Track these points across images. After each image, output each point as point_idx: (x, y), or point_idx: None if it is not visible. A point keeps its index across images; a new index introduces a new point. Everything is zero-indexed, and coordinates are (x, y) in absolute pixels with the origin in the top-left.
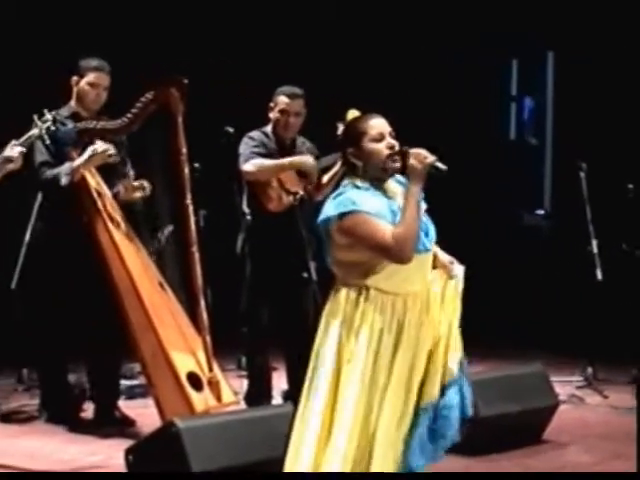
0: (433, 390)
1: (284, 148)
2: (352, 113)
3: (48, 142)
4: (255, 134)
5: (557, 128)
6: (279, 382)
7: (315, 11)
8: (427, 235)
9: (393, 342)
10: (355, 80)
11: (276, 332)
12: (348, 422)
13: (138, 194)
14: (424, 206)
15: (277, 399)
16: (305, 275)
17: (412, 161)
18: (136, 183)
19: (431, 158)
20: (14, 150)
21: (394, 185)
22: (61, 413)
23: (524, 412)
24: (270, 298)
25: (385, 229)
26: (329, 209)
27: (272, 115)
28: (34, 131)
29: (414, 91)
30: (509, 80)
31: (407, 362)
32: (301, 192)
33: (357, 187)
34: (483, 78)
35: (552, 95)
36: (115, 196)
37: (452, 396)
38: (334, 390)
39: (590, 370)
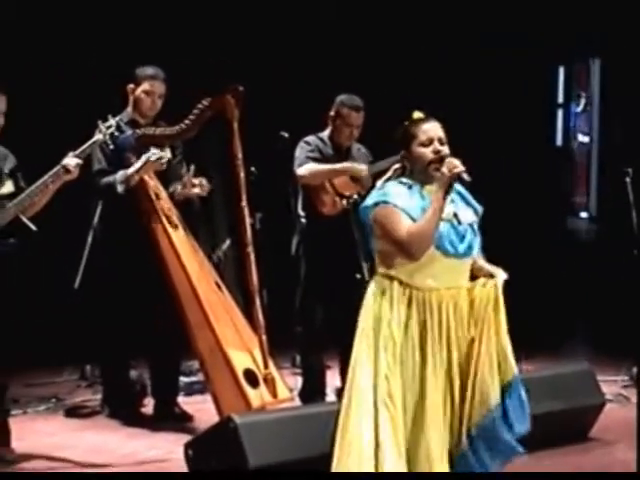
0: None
1: (340, 154)
2: (416, 114)
3: (112, 147)
4: (311, 139)
5: (603, 134)
6: (333, 380)
7: (375, 25)
8: (462, 241)
9: (418, 333)
10: (408, 87)
11: (330, 331)
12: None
13: (196, 190)
14: (473, 219)
15: (330, 396)
16: (358, 276)
17: (443, 169)
18: (195, 180)
19: (459, 168)
20: (72, 161)
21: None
22: (122, 408)
23: (571, 410)
24: (324, 298)
25: (404, 224)
26: (369, 199)
27: (333, 124)
28: (98, 136)
29: (465, 99)
30: (556, 87)
31: (441, 358)
32: (354, 196)
33: (398, 182)
34: (530, 85)
35: (598, 101)
36: (171, 195)
37: (519, 390)
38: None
39: (635, 370)
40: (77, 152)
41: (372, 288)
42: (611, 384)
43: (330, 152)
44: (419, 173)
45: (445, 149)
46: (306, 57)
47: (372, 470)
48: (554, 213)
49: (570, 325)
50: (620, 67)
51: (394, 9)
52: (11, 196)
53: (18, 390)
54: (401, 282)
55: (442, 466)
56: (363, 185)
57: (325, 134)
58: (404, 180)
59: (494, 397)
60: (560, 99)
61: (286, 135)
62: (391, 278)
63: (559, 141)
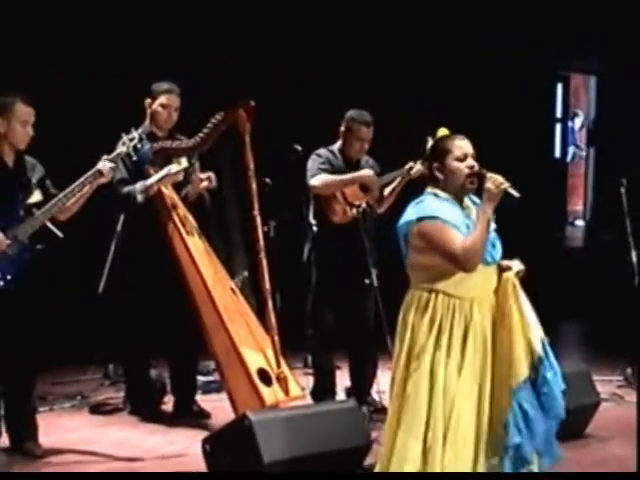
0: (521, 370)
1: (350, 166)
2: (442, 131)
3: (135, 158)
4: (322, 152)
5: (599, 147)
6: (342, 379)
7: (383, 38)
8: (494, 248)
9: (461, 341)
10: (415, 103)
11: (340, 334)
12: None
13: (205, 184)
14: (493, 225)
15: (340, 395)
16: (367, 281)
17: (489, 184)
18: (203, 175)
19: (506, 184)
20: (106, 165)
21: (467, 202)
22: (143, 406)
23: (568, 409)
24: (334, 302)
25: (457, 239)
26: (410, 214)
27: (344, 137)
28: (122, 148)
29: (469, 113)
30: (554, 103)
31: (478, 361)
32: (364, 205)
33: (437, 196)
34: (530, 101)
35: (594, 117)
36: (185, 198)
37: (546, 373)
38: (404, 383)
39: (629, 370)
40: (110, 157)
41: (412, 302)
42: (606, 384)
43: (340, 164)
44: (452, 186)
45: (476, 164)
46: (319, 75)
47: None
48: (552, 220)
49: (568, 328)
50: (614, 84)
51: (402, 36)
52: (39, 205)
53: (45, 388)
54: (445, 294)
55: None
56: (372, 195)
57: (336, 147)
58: (439, 194)
59: (519, 376)
60: (558, 114)
61: (299, 148)
62: (435, 291)
63: (557, 153)
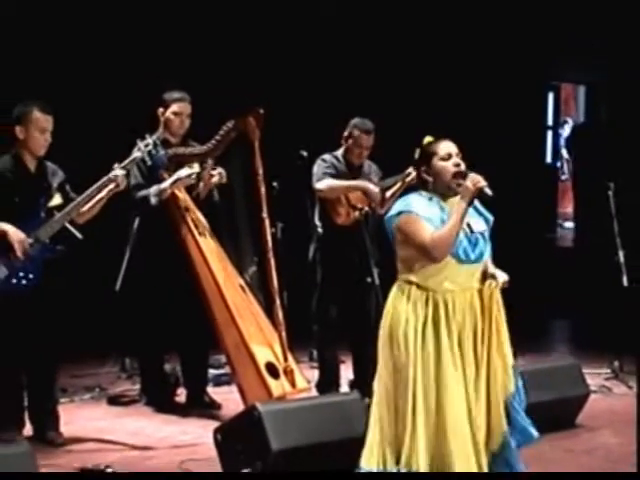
0: (511, 383)
1: (352, 170)
2: (427, 139)
3: (150, 163)
4: (327, 157)
5: (587, 153)
6: (346, 373)
7: (392, 47)
8: (474, 248)
9: (432, 329)
10: (414, 112)
11: (343, 329)
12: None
13: (215, 179)
14: (484, 228)
15: (344, 387)
16: (369, 280)
17: (467, 182)
18: (213, 171)
19: (482, 183)
20: (119, 172)
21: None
22: (158, 398)
23: (560, 400)
24: (338, 300)
25: (427, 230)
26: (393, 209)
27: (346, 144)
28: (137, 154)
29: (464, 121)
30: (546, 111)
31: (456, 345)
32: (366, 208)
33: (420, 195)
34: (523, 110)
35: (583, 124)
36: (197, 197)
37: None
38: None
39: (617, 363)
40: (123, 164)
41: (394, 292)
42: (595, 377)
43: (344, 169)
44: (440, 186)
45: (462, 163)
46: (324, 84)
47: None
48: (543, 222)
49: (559, 324)
50: (602, 93)
51: (400, 47)
52: (59, 208)
53: (66, 381)
54: (419, 286)
55: (468, 465)
56: (373, 198)
57: (339, 152)
58: (424, 193)
59: (510, 383)
60: (549, 122)
61: (305, 154)
62: (410, 282)
63: (548, 159)
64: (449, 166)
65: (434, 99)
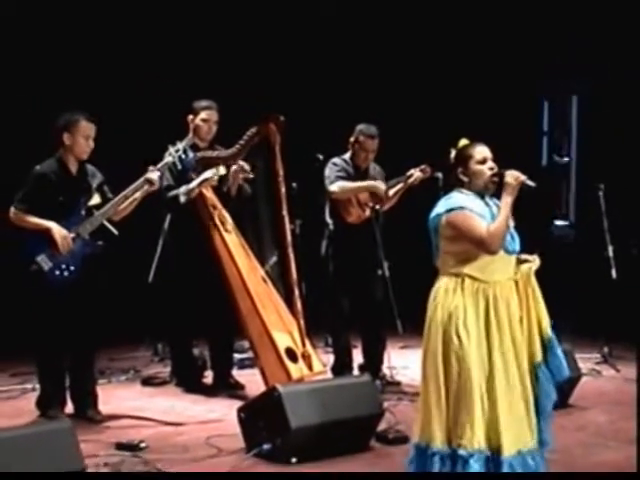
0: (537, 352)
1: (359, 172)
2: (463, 141)
3: (180, 167)
4: (337, 161)
5: (580, 157)
6: (358, 357)
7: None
8: (513, 240)
9: (484, 320)
10: (422, 118)
11: (354, 317)
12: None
13: (242, 175)
14: (512, 223)
15: (355, 371)
16: (379, 272)
17: (508, 179)
18: (238, 165)
19: (523, 177)
20: (154, 174)
21: (489, 200)
22: (187, 379)
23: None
24: (349, 291)
25: (482, 225)
26: (439, 207)
27: (352, 148)
28: (169, 158)
29: (467, 128)
30: (542, 118)
31: (504, 334)
32: (377, 206)
33: (462, 192)
34: (521, 116)
35: (576, 130)
36: (228, 192)
37: (555, 350)
38: (443, 364)
39: (606, 349)
40: (157, 167)
41: (442, 285)
42: (586, 361)
43: (351, 171)
44: (477, 186)
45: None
46: (337, 95)
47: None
48: (540, 220)
49: (553, 313)
50: (594, 102)
51: (405, 56)
52: (98, 207)
53: (104, 363)
54: (471, 277)
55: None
56: (380, 198)
57: (347, 156)
58: (465, 191)
59: (538, 355)
60: (545, 128)
61: (321, 157)
62: (461, 275)
63: (544, 161)
64: (485, 169)
65: (443, 107)
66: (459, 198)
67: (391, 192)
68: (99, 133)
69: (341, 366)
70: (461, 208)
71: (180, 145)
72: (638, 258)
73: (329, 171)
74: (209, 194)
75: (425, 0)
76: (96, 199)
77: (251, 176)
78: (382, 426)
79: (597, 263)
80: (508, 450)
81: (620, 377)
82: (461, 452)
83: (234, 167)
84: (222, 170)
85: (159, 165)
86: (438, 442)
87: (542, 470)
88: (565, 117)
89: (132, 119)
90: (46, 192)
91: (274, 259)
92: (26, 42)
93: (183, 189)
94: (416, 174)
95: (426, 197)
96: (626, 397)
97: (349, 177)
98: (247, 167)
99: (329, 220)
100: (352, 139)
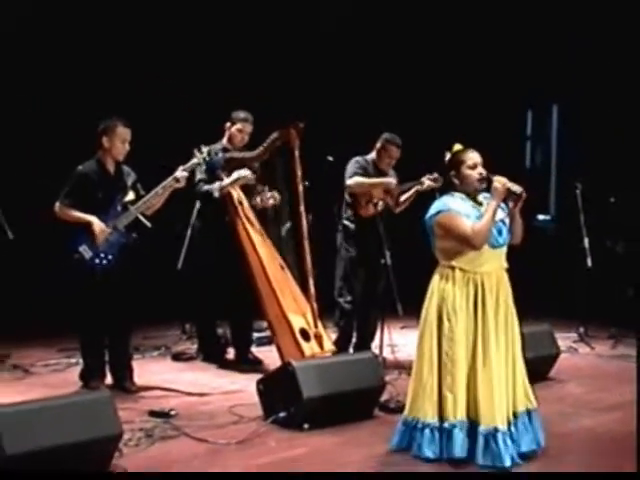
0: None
1: (378, 174)
2: (457, 146)
3: (204, 168)
4: (360, 159)
5: (560, 158)
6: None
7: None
8: (500, 234)
9: (473, 305)
10: (423, 130)
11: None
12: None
13: (271, 202)
14: (502, 215)
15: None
16: (382, 261)
17: (495, 184)
18: (269, 194)
19: (509, 184)
20: (182, 173)
21: (482, 199)
22: (212, 355)
23: (537, 358)
24: (361, 279)
25: (467, 224)
26: (431, 210)
27: (378, 153)
28: (194, 160)
29: (456, 135)
30: (525, 124)
31: (492, 319)
32: (386, 201)
33: (452, 195)
34: (506, 123)
35: (556, 135)
36: (254, 206)
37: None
38: (438, 344)
39: (582, 329)
40: (185, 167)
41: (437, 276)
42: (564, 339)
43: (371, 171)
44: (467, 188)
45: (484, 171)
46: (348, 104)
47: (435, 405)
48: (524, 215)
49: (536, 298)
50: (572, 111)
51: (403, 65)
52: (133, 202)
53: (138, 341)
54: (461, 269)
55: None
56: (392, 196)
57: (369, 157)
58: (455, 194)
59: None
60: (528, 133)
61: (331, 159)
62: (452, 267)
63: (528, 163)
64: (475, 174)
65: (436, 115)
66: (447, 201)
67: (402, 198)
68: (134, 137)
69: (347, 341)
70: (448, 210)
71: (205, 149)
72: (612, 249)
73: (350, 167)
74: (236, 193)
75: (420, 17)
76: (131, 196)
77: (277, 202)
78: (384, 397)
79: (574, 253)
80: (485, 423)
81: (594, 354)
82: (446, 425)
83: (269, 194)
84: (250, 174)
85: (186, 165)
86: (429, 416)
87: (526, 433)
88: (546, 124)
89: (163, 125)
90: (87, 189)
91: (287, 225)
92: (70, 53)
93: (217, 185)
94: (427, 182)
95: (426, 197)
96: (599, 371)
97: (367, 176)
98: (277, 196)
99: (343, 214)
100: (378, 145)
